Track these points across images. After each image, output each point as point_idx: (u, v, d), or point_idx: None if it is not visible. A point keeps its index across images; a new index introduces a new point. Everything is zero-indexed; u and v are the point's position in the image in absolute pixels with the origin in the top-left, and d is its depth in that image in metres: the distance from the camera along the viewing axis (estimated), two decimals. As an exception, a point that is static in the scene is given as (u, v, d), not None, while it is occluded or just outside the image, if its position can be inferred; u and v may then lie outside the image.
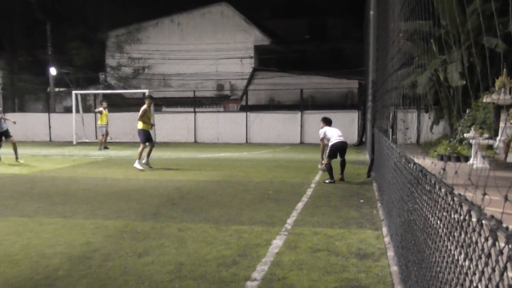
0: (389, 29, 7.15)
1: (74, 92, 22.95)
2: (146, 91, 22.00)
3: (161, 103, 29.11)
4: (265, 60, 32.94)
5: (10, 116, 25.34)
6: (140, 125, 12.31)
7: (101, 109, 18.81)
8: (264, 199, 8.26)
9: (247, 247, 5.31)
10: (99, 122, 19.14)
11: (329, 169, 10.09)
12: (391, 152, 5.77)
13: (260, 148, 19.77)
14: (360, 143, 20.15)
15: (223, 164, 13.90)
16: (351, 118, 21.46)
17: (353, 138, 20.83)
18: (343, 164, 10.36)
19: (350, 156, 15.38)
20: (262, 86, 27.71)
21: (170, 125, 23.26)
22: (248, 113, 22.88)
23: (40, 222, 6.54)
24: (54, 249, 5.25)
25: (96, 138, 22.23)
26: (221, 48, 30.71)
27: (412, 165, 3.79)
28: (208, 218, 6.77)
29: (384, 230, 6.01)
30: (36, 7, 29.08)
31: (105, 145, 19.06)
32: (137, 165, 12.23)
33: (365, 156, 15.20)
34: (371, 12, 12.76)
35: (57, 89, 31.27)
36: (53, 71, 29.60)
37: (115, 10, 30.56)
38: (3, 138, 13.91)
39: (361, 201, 8.09)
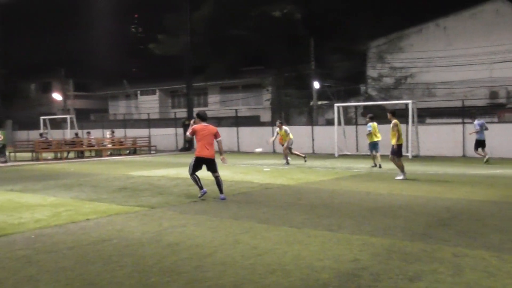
0: None
1: (336, 105, 23.65)
2: (409, 102, 21.30)
3: (424, 114, 27.77)
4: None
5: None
6: (395, 140, 12.82)
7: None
8: (558, 227, 6.87)
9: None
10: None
11: None
12: None
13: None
14: None
15: (500, 182, 12.25)
16: None
17: None
18: None
19: None
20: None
21: (435, 137, 21.82)
22: (528, 122, 19.92)
23: (307, 234, 6.70)
24: (323, 263, 5.26)
25: (357, 151, 22.87)
26: (495, 51, 27.48)
27: None
28: (487, 244, 5.92)
29: None
30: (299, 24, 31.19)
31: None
32: (401, 177, 12.83)
33: None
34: None
35: (319, 102, 32.79)
36: (316, 85, 31.18)
37: (375, 20, 30.50)
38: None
39: None
